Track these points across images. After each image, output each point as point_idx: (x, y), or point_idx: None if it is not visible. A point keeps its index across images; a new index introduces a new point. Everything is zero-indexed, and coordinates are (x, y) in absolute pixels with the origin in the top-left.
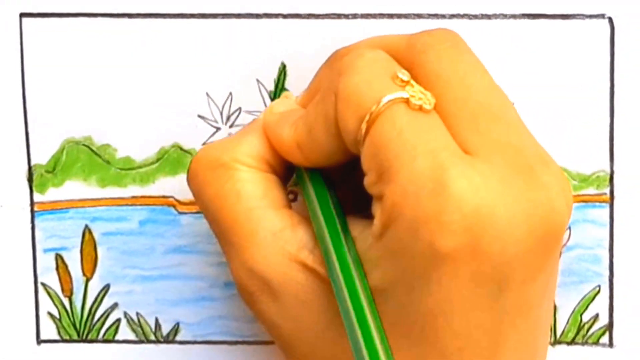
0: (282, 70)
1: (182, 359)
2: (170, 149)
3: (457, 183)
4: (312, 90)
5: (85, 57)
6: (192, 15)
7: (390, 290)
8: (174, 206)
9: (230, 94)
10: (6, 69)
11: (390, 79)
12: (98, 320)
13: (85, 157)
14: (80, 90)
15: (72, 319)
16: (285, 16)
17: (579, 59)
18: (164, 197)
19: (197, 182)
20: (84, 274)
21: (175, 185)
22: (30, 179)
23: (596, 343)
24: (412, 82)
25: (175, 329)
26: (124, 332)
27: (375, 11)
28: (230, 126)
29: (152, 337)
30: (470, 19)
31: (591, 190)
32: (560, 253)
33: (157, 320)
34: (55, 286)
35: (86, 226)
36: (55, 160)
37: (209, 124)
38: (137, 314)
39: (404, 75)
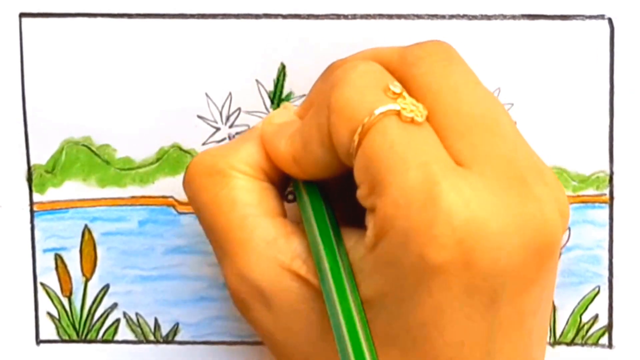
0: (282, 71)
1: (181, 359)
2: (169, 149)
3: (448, 196)
4: (309, 102)
5: (85, 57)
6: (192, 16)
7: (382, 301)
8: (173, 206)
9: (230, 94)
10: (6, 69)
11: (382, 91)
12: (97, 320)
13: (84, 157)
14: (80, 90)
15: (71, 319)
16: (285, 16)
17: (578, 59)
18: (163, 197)
19: (193, 187)
20: (83, 274)
21: (175, 186)
22: (29, 179)
23: (596, 344)
24: (405, 94)
25: (175, 329)
26: (124, 332)
27: (374, 12)
28: (230, 126)
29: (152, 338)
30: (470, 19)
31: (591, 191)
32: (560, 254)
33: (156, 320)
34: (55, 286)
35: (86, 226)
36: (55, 160)
37: (208, 124)
38: (137, 314)
39: (396, 87)
